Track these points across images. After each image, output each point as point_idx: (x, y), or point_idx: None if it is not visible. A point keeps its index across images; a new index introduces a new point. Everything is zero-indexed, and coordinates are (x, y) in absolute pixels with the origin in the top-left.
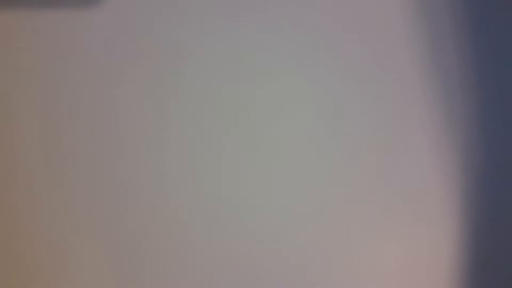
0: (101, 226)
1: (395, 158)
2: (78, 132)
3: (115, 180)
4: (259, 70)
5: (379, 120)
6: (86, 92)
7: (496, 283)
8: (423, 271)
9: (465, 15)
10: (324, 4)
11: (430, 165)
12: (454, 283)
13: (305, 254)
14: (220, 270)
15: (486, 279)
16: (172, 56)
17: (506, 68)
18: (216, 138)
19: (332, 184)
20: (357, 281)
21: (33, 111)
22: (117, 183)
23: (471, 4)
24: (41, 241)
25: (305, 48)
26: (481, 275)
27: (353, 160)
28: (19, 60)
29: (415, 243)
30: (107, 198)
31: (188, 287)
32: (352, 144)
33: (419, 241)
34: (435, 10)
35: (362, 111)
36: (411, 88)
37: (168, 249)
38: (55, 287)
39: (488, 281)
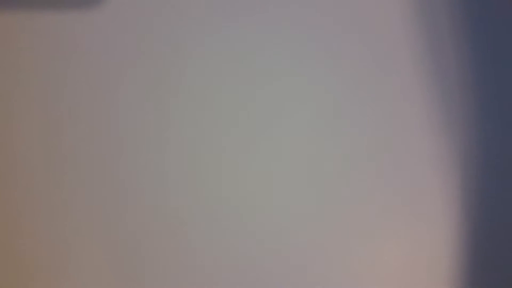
0: (101, 226)
1: (395, 158)
2: (78, 132)
3: (115, 180)
4: (259, 70)
5: (379, 120)
6: (86, 92)
7: (496, 283)
8: (423, 271)
9: (465, 15)
10: (324, 4)
11: (430, 165)
12: (454, 283)
13: (305, 254)
14: (220, 270)
15: (486, 279)
16: (172, 56)
17: (506, 68)
18: (216, 138)
19: (332, 184)
20: (357, 281)
21: (33, 111)
22: (117, 183)
23: (471, 4)
24: (41, 241)
25: (305, 48)
26: (481, 275)
27: (353, 160)
28: (19, 60)
29: (415, 243)
30: (107, 198)
31: (188, 287)
32: (352, 144)
33: (419, 241)
34: (435, 10)
35: (362, 111)
36: (411, 88)
37: (168, 249)
38: (55, 287)
39: (488, 281)
